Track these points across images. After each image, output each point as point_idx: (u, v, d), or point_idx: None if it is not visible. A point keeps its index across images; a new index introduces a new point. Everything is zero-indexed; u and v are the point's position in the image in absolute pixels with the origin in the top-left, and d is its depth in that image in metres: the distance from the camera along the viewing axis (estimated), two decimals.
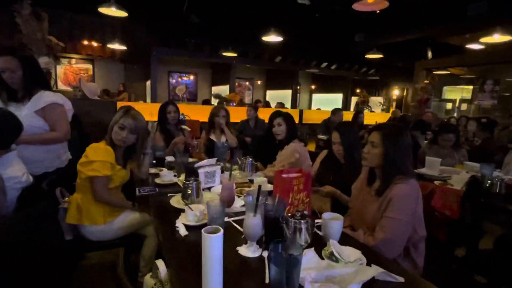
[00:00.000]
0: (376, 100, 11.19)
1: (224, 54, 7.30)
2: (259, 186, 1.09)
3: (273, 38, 5.59)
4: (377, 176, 1.41)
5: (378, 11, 4.91)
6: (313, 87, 12.30)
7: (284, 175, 1.31)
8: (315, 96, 12.27)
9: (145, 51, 7.49)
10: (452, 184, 2.14)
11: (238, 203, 1.50)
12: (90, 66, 8.59)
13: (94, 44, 7.44)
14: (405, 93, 11.38)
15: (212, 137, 2.90)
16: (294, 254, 0.78)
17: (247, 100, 10.57)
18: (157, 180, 1.96)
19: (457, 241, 2.03)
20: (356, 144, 1.94)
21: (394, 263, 1.09)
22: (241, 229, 1.21)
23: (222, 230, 0.80)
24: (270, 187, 1.71)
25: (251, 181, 1.97)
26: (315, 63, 9.27)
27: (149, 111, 3.85)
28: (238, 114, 5.11)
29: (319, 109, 9.79)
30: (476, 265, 1.97)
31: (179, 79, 9.95)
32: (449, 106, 11.02)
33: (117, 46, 6.61)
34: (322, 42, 8.13)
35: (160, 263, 1.07)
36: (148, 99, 8.15)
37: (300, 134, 2.54)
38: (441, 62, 7.83)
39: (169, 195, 1.63)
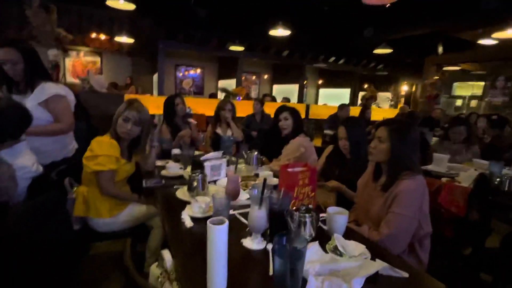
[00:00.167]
0: (384, 96, 11.05)
1: (231, 48, 7.27)
2: (265, 180, 1.09)
3: (280, 32, 5.54)
4: (383, 172, 1.40)
5: (388, 5, 4.81)
6: (320, 82, 12.19)
7: (289, 169, 1.31)
8: (322, 91, 12.17)
9: (152, 44, 7.50)
10: (460, 181, 2.11)
11: (243, 196, 1.51)
12: (98, 59, 8.65)
13: (102, 37, 7.49)
14: (413, 89, 11.21)
15: (218, 130, 2.91)
16: (299, 247, 0.79)
17: (254, 94, 10.54)
18: (163, 172, 1.98)
19: (463, 239, 2.01)
20: (362, 140, 1.92)
21: (398, 259, 1.09)
22: (245, 222, 1.22)
23: (227, 221, 0.81)
24: (275, 181, 1.71)
25: (257, 175, 1.98)
26: (322, 57, 9.17)
27: (156, 104, 3.87)
28: (244, 108, 5.10)
29: (325, 104, 9.71)
30: (482, 263, 1.95)
31: (186, 73, 9.96)
32: (458, 102, 10.82)
33: (124, 39, 6.63)
34: (330, 36, 8.02)
35: (166, 253, 1.08)
36: (155, 92, 8.19)
37: (306, 129, 2.53)
38: (452, 57, 7.68)
39: (175, 187, 1.65)
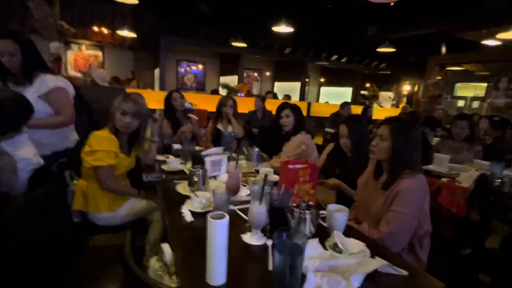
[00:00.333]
0: (386, 95, 11.02)
1: (234, 44, 7.24)
2: (265, 175, 1.09)
3: (283, 28, 5.51)
4: (384, 170, 1.39)
5: (392, 3, 4.78)
6: (322, 80, 12.16)
7: (290, 166, 1.31)
8: (324, 89, 12.14)
9: (154, 39, 7.48)
10: (461, 182, 2.10)
11: (244, 192, 1.51)
12: (100, 53, 8.63)
13: (105, 31, 7.47)
14: (416, 89, 11.17)
15: (219, 126, 2.91)
16: (298, 243, 0.79)
17: (255, 91, 10.51)
18: (164, 167, 1.98)
19: (463, 239, 2.01)
20: (363, 138, 1.92)
21: (398, 257, 1.09)
22: (246, 218, 1.22)
23: (228, 216, 0.81)
24: (276, 177, 1.71)
25: (257, 171, 1.98)
26: (325, 55, 9.14)
27: (157, 98, 3.87)
28: (246, 105, 5.10)
29: (327, 102, 9.70)
30: (481, 263, 1.95)
31: (188, 68, 9.94)
32: (461, 103, 10.78)
33: (126, 34, 6.62)
34: (333, 34, 7.99)
35: (166, 247, 1.08)
36: (157, 87, 8.18)
37: (308, 126, 2.53)
38: (455, 57, 7.64)
39: (175, 181, 1.65)
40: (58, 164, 1.79)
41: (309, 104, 7.87)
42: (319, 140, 5.06)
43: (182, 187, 1.54)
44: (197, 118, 2.98)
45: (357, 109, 6.14)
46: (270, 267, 0.89)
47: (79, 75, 7.05)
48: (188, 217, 1.21)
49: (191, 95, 6.39)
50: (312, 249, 0.96)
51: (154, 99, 4.92)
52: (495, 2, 4.99)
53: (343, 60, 9.48)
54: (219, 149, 1.93)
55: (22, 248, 1.14)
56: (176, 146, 2.41)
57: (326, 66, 10.41)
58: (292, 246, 0.80)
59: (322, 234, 1.11)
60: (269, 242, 1.04)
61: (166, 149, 2.42)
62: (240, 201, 1.43)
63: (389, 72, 10.70)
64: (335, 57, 9.29)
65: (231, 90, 7.16)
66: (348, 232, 1.15)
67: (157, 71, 8.24)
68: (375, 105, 8.83)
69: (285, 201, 1.08)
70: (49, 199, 1.38)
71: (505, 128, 3.76)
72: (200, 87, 10.07)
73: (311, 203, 1.13)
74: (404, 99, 11.37)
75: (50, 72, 1.89)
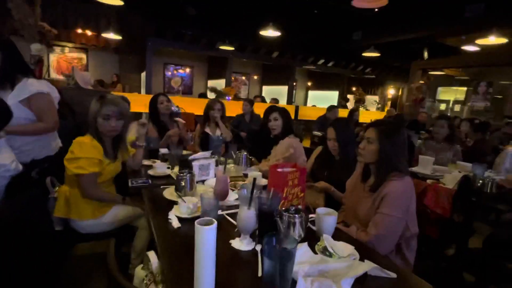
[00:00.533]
0: (371, 99, 11.25)
1: (221, 47, 7.23)
2: (254, 179, 1.08)
3: (271, 32, 5.55)
4: (372, 172, 1.41)
5: (376, 9, 4.91)
6: (309, 83, 12.31)
7: (279, 170, 1.30)
8: (311, 93, 12.29)
9: (140, 42, 7.37)
10: (445, 183, 2.16)
11: (232, 197, 1.49)
12: (83, 56, 8.44)
13: (88, 33, 7.30)
14: (400, 93, 11.47)
15: (207, 130, 2.89)
16: (288, 248, 0.78)
17: (243, 95, 10.52)
18: (150, 172, 1.94)
19: (447, 240, 2.06)
20: (351, 141, 1.94)
21: (386, 259, 1.10)
22: (234, 223, 1.20)
23: (215, 222, 0.79)
24: (264, 181, 1.70)
25: (245, 175, 1.96)
26: (312, 59, 9.26)
27: (143, 102, 3.80)
28: (233, 108, 5.08)
29: (314, 105, 9.81)
30: (465, 263, 2.00)
31: (175, 72, 9.85)
32: (442, 107, 11.15)
33: (111, 36, 6.49)
34: (320, 38, 8.11)
35: (152, 255, 1.05)
36: (143, 90, 8.06)
37: (296, 130, 2.54)
38: (437, 62, 7.89)
39: (162, 187, 1.61)
40: (39, 170, 1.72)
41: (297, 108, 7.93)
42: (306, 143, 5.10)
43: (169, 193, 1.51)
44: (184, 122, 2.94)
45: (343, 113, 6.23)
46: (260, 273, 0.88)
47: (61, 77, 6.86)
48: (175, 223, 1.18)
49: (178, 98, 6.32)
50: (302, 254, 0.95)
51: (140, 103, 4.85)
52: (472, 10, 5.21)
53: (330, 64, 9.63)
54: (207, 153, 1.90)
55: (0, 257, 1.08)
56: (163, 151, 2.37)
57: (313, 70, 10.54)
58: (282, 251, 0.78)
59: (312, 237, 1.10)
60: (258, 247, 1.03)
61: (152, 154, 2.37)
62: (228, 205, 1.41)
63: (374, 76, 10.94)
64: (321, 61, 9.43)
65: (219, 94, 7.14)
66: (337, 235, 1.15)
67: (143, 75, 8.12)
68: (361, 109, 9.00)
69: (274, 205, 1.07)
70: (28, 206, 1.32)
71: (485, 131, 3.90)
72: (187, 91, 9.99)
73: (300, 207, 1.12)
74: (389, 103, 11.64)
75: (33, 75, 1.81)
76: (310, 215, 1.25)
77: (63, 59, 8.18)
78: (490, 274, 1.83)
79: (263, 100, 7.95)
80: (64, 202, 1.58)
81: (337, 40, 8.09)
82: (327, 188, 1.78)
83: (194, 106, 5.65)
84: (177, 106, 5.15)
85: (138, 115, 5.19)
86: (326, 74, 10.80)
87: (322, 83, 11.69)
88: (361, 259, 0.99)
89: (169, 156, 2.20)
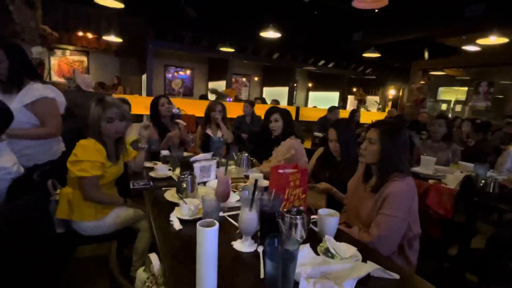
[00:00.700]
0: (372, 99, 11.25)
1: (222, 49, 7.24)
2: (256, 181, 1.07)
3: (271, 34, 5.55)
4: (374, 173, 1.40)
5: (377, 10, 4.91)
6: (310, 84, 12.31)
7: (280, 171, 1.30)
8: (312, 94, 12.29)
9: (141, 44, 7.40)
10: (447, 183, 2.15)
11: (234, 198, 1.49)
12: (84, 58, 8.47)
13: (89, 35, 7.34)
14: (401, 93, 11.45)
15: (208, 131, 2.89)
16: (291, 249, 0.77)
17: (244, 96, 10.53)
18: (152, 174, 1.94)
19: (450, 240, 2.04)
20: (352, 141, 1.94)
21: (389, 260, 1.09)
22: (236, 224, 1.19)
23: (217, 224, 0.79)
24: (266, 183, 1.70)
25: (247, 177, 1.96)
26: (312, 60, 9.26)
27: (144, 104, 3.81)
28: (234, 110, 5.09)
29: (315, 106, 9.80)
30: (468, 263, 1.99)
31: (175, 74, 9.87)
32: (443, 107, 11.13)
33: (112, 39, 6.51)
34: (320, 39, 8.12)
35: (154, 257, 1.05)
36: (144, 93, 8.08)
37: (297, 131, 2.54)
38: (437, 62, 7.88)
39: (163, 189, 1.61)
40: (40, 173, 1.72)
41: (297, 109, 7.93)
42: (307, 144, 5.09)
43: (170, 194, 1.50)
44: (185, 124, 2.94)
45: (344, 113, 6.23)
46: (262, 275, 0.87)
47: (62, 80, 6.88)
48: (177, 225, 1.18)
49: (179, 100, 6.33)
50: (304, 255, 0.95)
51: (141, 105, 4.86)
52: (473, 10, 5.20)
53: (330, 65, 9.63)
54: (208, 155, 1.90)
55: (1, 261, 1.08)
56: (164, 153, 2.37)
57: (313, 71, 10.55)
58: (284, 253, 0.78)
59: (313, 239, 1.10)
60: (260, 249, 1.02)
61: (153, 156, 2.37)
62: (230, 207, 1.41)
63: (375, 77, 10.93)
64: (322, 62, 9.43)
65: (220, 95, 7.14)
66: (339, 236, 1.14)
67: (144, 77, 8.14)
68: (362, 109, 8.99)
69: (276, 206, 1.06)
70: (30, 209, 1.32)
71: (486, 131, 3.89)
72: (188, 92, 10.01)
73: (301, 208, 1.12)
74: (390, 103, 11.63)
75: (41, 79, 1.81)
76: (312, 216, 1.24)
77: (64, 62, 8.21)
78: (493, 274, 1.82)
79: (263, 102, 7.96)
80: (66, 203, 1.58)
81: (337, 41, 8.10)
82: (329, 189, 1.78)
83: (195, 108, 5.65)
84: (178, 108, 5.16)
85: (139, 117, 5.20)
86: (326, 75, 10.81)
87: (322, 84, 11.70)
88: (364, 260, 0.99)
89: (170, 158, 2.20)
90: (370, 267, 0.91)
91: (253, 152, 2.40)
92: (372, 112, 9.88)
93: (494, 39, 4.82)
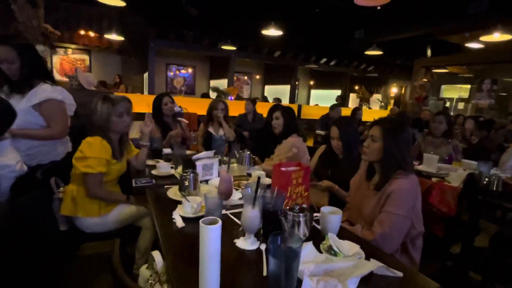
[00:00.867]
0: (374, 97, 11.20)
1: (223, 47, 7.23)
2: (258, 178, 1.07)
3: (272, 32, 5.54)
4: (377, 171, 1.40)
5: (379, 7, 4.88)
6: (311, 83, 12.27)
7: (283, 169, 1.29)
8: (314, 92, 12.25)
9: (142, 43, 7.40)
10: (450, 181, 2.14)
11: (236, 196, 1.49)
12: (86, 57, 8.48)
13: (91, 34, 7.34)
14: (403, 91, 11.39)
15: (210, 129, 2.89)
16: (294, 247, 0.77)
17: (245, 94, 10.52)
18: (154, 172, 1.94)
19: (453, 238, 2.04)
20: (354, 139, 1.93)
21: (392, 258, 1.09)
22: (238, 222, 1.19)
23: (220, 221, 0.78)
24: (268, 180, 1.70)
25: (249, 175, 1.96)
26: (314, 58, 9.23)
27: (146, 102, 3.81)
28: (236, 108, 5.09)
29: (317, 104, 9.78)
30: (471, 262, 1.98)
31: (177, 72, 9.87)
32: (446, 104, 11.06)
33: (114, 37, 6.51)
34: (321, 37, 8.08)
35: (156, 255, 1.05)
36: (145, 91, 8.09)
37: (299, 129, 2.54)
38: (440, 60, 7.82)
39: (166, 187, 1.61)
40: (43, 171, 1.73)
41: (299, 107, 7.92)
42: (310, 142, 5.09)
43: (173, 192, 1.51)
44: (187, 122, 2.94)
45: (346, 111, 6.21)
46: (265, 273, 0.87)
47: (64, 79, 6.90)
48: (179, 223, 1.18)
49: (180, 98, 6.34)
50: (307, 253, 0.94)
51: (144, 103, 4.86)
52: (476, 7, 5.16)
53: (332, 63, 9.59)
54: (210, 153, 1.90)
55: (5, 258, 1.08)
56: (166, 151, 2.37)
57: (315, 69, 10.51)
58: (287, 250, 0.78)
59: (316, 236, 1.09)
60: (263, 247, 1.02)
61: (155, 154, 2.37)
62: (232, 205, 1.41)
63: (377, 75, 10.88)
64: (324, 60, 9.39)
65: (221, 94, 7.14)
66: (342, 234, 1.14)
67: (146, 75, 8.15)
68: (364, 107, 8.96)
69: (279, 204, 1.06)
70: (33, 207, 1.33)
71: (490, 129, 3.87)
72: (189, 91, 10.01)
73: (304, 205, 1.12)
74: (392, 101, 11.58)
75: (52, 80, 1.82)
76: (315, 214, 1.24)
77: (66, 60, 8.23)
78: (497, 272, 1.81)
79: (265, 100, 7.95)
80: (70, 200, 1.59)
81: (339, 39, 8.05)
82: (331, 187, 1.77)
83: (197, 106, 5.65)
84: (180, 106, 5.17)
85: (141, 116, 5.21)
86: (328, 73, 10.77)
87: (324, 82, 11.66)
88: (367, 258, 0.98)
89: (172, 156, 2.20)
90: (373, 265, 0.91)
91: (255, 150, 2.40)
92: (374, 110, 9.84)
93: (497, 36, 4.78)
